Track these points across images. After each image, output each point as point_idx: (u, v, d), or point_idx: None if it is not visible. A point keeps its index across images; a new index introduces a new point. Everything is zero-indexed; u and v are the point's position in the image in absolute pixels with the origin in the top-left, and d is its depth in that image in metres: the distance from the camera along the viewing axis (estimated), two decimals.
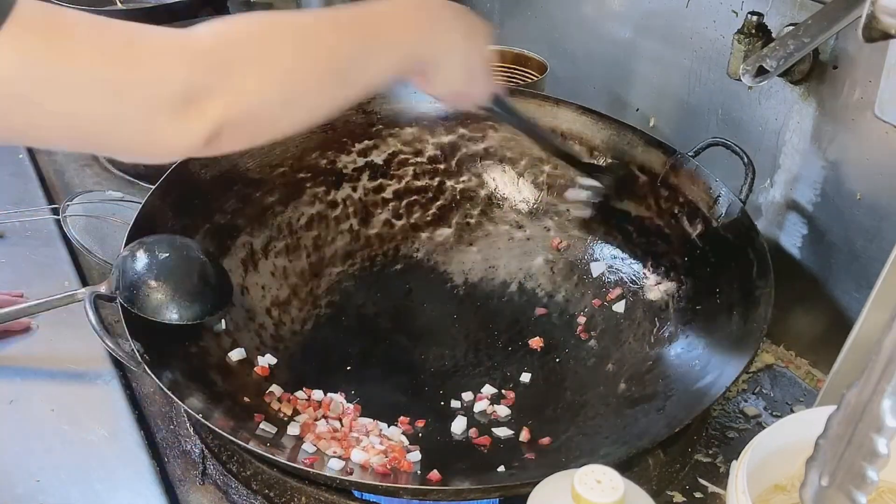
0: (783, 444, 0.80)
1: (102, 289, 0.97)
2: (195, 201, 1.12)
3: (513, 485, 0.83)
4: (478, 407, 1.01)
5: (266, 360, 1.03)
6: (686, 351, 1.00)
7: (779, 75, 0.96)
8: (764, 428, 0.83)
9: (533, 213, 1.23)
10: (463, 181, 1.26)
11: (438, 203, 1.25)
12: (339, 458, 0.90)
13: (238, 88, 0.63)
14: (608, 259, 1.16)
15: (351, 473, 0.89)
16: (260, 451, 0.85)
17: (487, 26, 0.84)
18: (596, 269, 1.16)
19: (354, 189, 1.23)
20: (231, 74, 0.63)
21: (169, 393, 0.86)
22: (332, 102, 0.72)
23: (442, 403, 1.02)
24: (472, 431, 0.98)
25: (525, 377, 1.05)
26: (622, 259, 1.15)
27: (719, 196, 1.07)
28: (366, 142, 1.24)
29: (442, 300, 1.17)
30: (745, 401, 1.06)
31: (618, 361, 1.06)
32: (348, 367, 1.07)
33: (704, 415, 1.01)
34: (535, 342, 1.09)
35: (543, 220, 1.22)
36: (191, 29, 0.65)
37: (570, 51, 1.49)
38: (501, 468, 0.91)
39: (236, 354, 1.02)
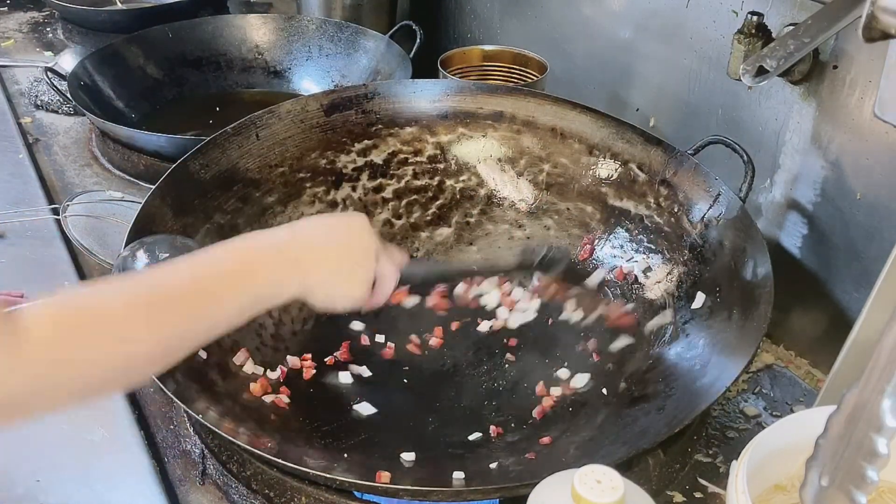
0: (783, 444, 0.80)
1: None
2: (195, 201, 1.12)
3: (513, 485, 0.83)
4: (477, 405, 1.01)
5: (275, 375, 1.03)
6: (686, 351, 1.00)
7: (779, 75, 0.96)
8: (764, 428, 0.83)
9: (533, 212, 1.23)
10: (462, 180, 1.26)
11: (438, 202, 1.25)
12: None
13: (59, 385, 0.61)
14: (608, 258, 1.16)
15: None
16: (260, 452, 0.85)
17: (368, 238, 0.84)
18: (596, 267, 1.16)
19: (354, 189, 1.23)
20: (54, 374, 0.60)
21: (170, 394, 0.86)
22: (166, 364, 0.70)
23: (441, 403, 1.02)
24: (473, 431, 0.98)
25: (525, 376, 1.05)
26: (622, 258, 1.15)
27: (719, 195, 1.07)
28: (365, 141, 1.24)
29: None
30: (745, 401, 1.06)
31: (618, 361, 1.06)
32: (348, 367, 1.07)
33: (704, 415, 1.01)
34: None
35: (543, 219, 1.22)
36: (17, 318, 0.59)
37: (570, 51, 1.49)
38: (499, 466, 0.92)
39: (249, 366, 1.02)
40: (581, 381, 1.03)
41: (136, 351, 0.64)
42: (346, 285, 0.82)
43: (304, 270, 0.78)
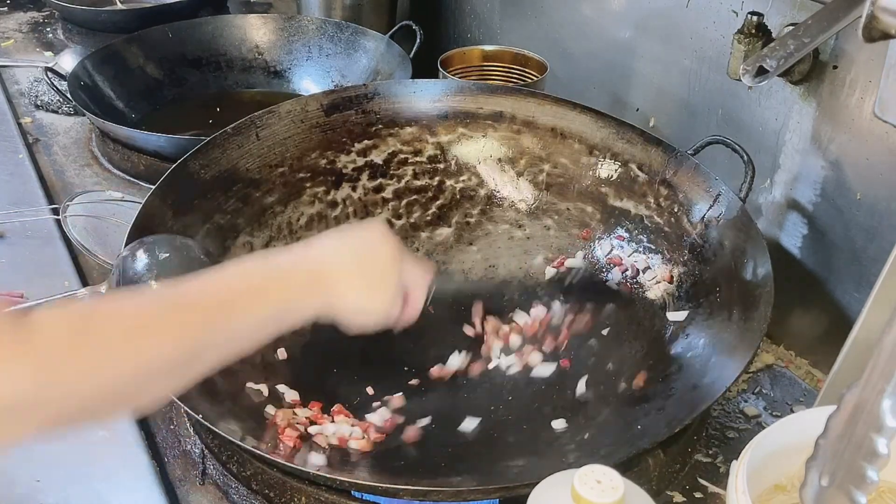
0: (783, 444, 0.80)
1: (102, 289, 0.97)
2: (195, 201, 1.12)
3: (513, 485, 0.83)
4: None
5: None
6: (686, 351, 1.00)
7: (779, 75, 0.96)
8: (764, 428, 0.83)
9: (532, 212, 1.23)
10: (462, 180, 1.25)
11: (438, 202, 1.25)
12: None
13: (69, 394, 0.58)
14: (608, 258, 1.16)
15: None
16: (260, 452, 0.85)
17: (391, 248, 0.81)
18: (596, 267, 1.16)
19: (354, 189, 1.23)
20: (64, 382, 0.57)
21: None
22: (183, 380, 0.67)
23: (440, 403, 1.02)
24: (472, 432, 0.98)
25: (525, 377, 1.05)
26: (622, 258, 1.15)
27: (719, 195, 1.07)
28: (365, 141, 1.24)
29: (442, 300, 1.17)
30: (745, 401, 1.06)
31: (618, 361, 1.06)
32: (348, 367, 1.07)
33: (704, 415, 1.01)
34: (533, 344, 1.09)
35: (543, 219, 1.22)
36: (29, 321, 0.57)
37: (570, 51, 1.49)
38: (499, 466, 0.92)
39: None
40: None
41: (150, 359, 0.61)
42: (373, 301, 0.79)
43: (324, 288, 0.74)
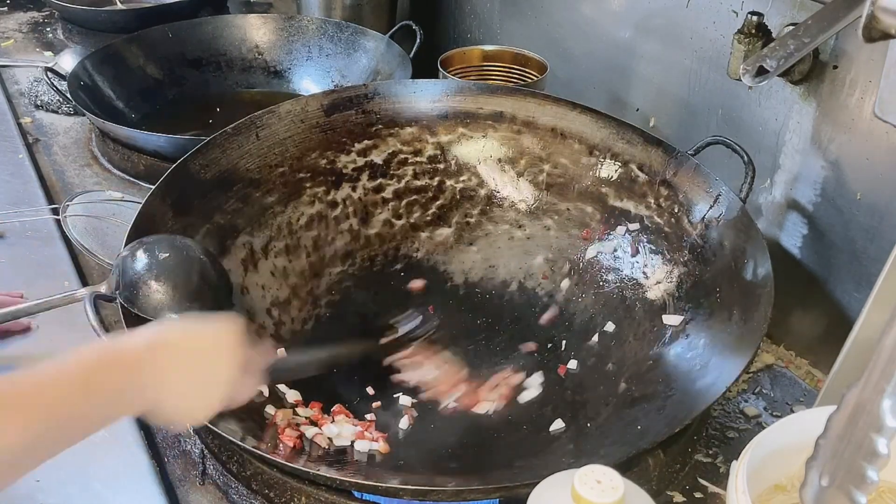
0: (783, 444, 0.80)
1: (102, 289, 0.97)
2: (195, 201, 1.12)
3: (513, 485, 0.83)
4: (478, 408, 1.01)
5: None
6: (686, 351, 1.00)
7: (779, 75, 0.96)
8: (764, 428, 0.83)
9: (533, 212, 1.23)
10: (463, 181, 1.26)
11: (438, 203, 1.25)
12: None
13: None
14: (608, 258, 1.16)
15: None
16: (260, 452, 0.85)
17: (233, 354, 0.79)
18: (596, 268, 1.16)
19: (354, 189, 1.23)
20: None
21: None
22: (29, 467, 0.72)
23: (441, 403, 1.02)
24: (472, 431, 0.98)
25: (524, 377, 1.05)
26: (622, 258, 1.15)
27: (720, 195, 1.07)
28: (365, 142, 1.24)
29: (442, 300, 1.17)
30: (745, 401, 1.06)
31: (618, 361, 1.06)
32: (348, 367, 1.07)
33: (704, 415, 1.01)
34: (533, 345, 1.09)
35: (543, 220, 1.22)
36: None
37: (570, 51, 1.49)
38: (500, 466, 0.92)
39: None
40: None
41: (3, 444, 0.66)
42: (191, 408, 0.78)
43: (150, 391, 0.74)
